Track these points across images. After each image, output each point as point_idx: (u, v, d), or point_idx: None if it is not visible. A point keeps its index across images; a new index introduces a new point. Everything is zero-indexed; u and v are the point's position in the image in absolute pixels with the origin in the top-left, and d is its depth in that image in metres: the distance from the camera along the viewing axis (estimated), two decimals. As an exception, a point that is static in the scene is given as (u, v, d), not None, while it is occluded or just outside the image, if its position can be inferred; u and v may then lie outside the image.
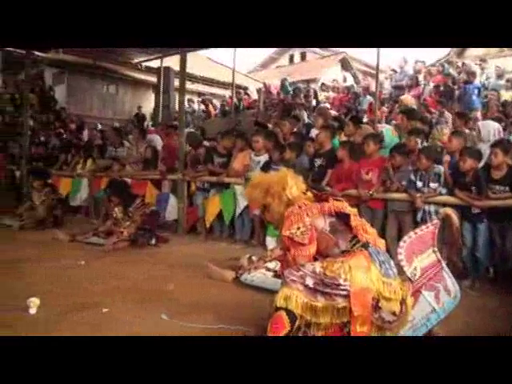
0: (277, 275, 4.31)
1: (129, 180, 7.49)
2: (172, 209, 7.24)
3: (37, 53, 13.15)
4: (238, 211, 6.45)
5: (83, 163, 8.77)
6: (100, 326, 3.22)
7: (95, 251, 5.75)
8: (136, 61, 15.62)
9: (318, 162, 6.11)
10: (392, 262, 2.75)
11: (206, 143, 7.84)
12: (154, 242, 6.11)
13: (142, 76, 16.46)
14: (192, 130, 9.96)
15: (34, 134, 11.02)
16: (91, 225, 7.27)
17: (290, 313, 2.54)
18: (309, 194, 3.11)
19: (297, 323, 2.55)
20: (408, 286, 2.74)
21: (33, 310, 3.49)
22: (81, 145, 9.55)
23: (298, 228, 2.77)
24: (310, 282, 2.60)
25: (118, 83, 16.84)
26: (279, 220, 3.01)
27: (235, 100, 14.31)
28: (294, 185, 3.00)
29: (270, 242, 5.82)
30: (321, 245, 2.81)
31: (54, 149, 10.15)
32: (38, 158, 9.78)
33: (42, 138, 11.12)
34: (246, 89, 16.69)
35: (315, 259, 2.78)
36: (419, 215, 5.01)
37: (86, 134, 11.08)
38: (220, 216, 6.71)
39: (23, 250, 5.70)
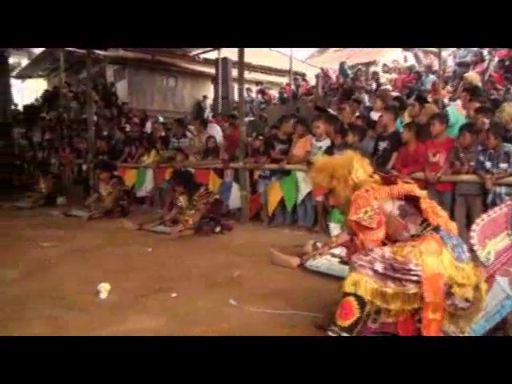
0: (342, 261, 4.26)
1: (192, 170, 7.62)
2: (235, 197, 7.31)
3: (97, 51, 13.59)
4: (300, 198, 6.41)
5: (147, 155, 9.01)
6: (170, 310, 3.30)
7: (162, 239, 5.91)
8: (194, 53, 15.88)
9: (382, 145, 5.95)
10: (465, 246, 2.63)
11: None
12: (218, 229, 6.19)
13: (201, 68, 16.69)
14: (252, 118, 10.00)
15: (98, 129, 11.43)
16: (157, 214, 7.47)
17: (359, 298, 2.49)
18: (376, 176, 3.02)
19: (366, 309, 2.50)
20: (481, 271, 2.62)
21: (103, 295, 3.63)
22: (144, 137, 9.80)
23: (366, 212, 2.70)
24: (379, 267, 2.53)
25: (177, 76, 17.15)
26: (345, 204, 2.95)
27: (293, 87, 14.20)
28: (360, 168, 2.92)
29: (334, 229, 5.74)
30: (389, 229, 2.73)
31: (118, 142, 10.48)
32: (103, 152, 10.13)
33: (106, 133, 11.50)
34: (303, 75, 16.53)
35: (384, 244, 2.71)
36: (489, 198, 4.78)
37: (148, 127, 11.37)
38: (282, 203, 6.70)
39: (93, 239, 5.95)
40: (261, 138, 7.39)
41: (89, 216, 7.65)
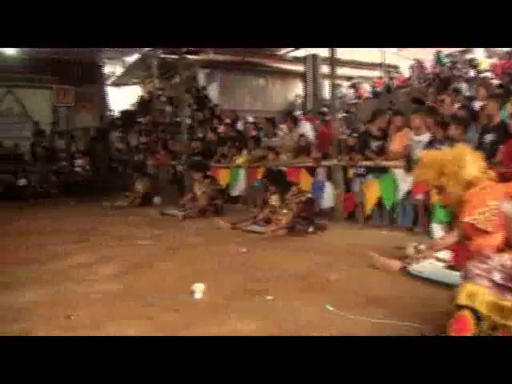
0: (448, 266, 3.93)
1: (284, 168, 7.53)
2: (328, 196, 7.11)
3: (189, 56, 13.96)
4: (400, 196, 6.08)
5: (239, 155, 9.06)
6: (266, 314, 3.19)
7: (255, 239, 5.86)
8: (283, 52, 15.81)
9: (489, 137, 5.46)
10: None
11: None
12: (311, 229, 6.02)
13: (290, 66, 16.59)
14: (344, 114, 9.73)
15: (192, 131, 11.72)
16: (250, 213, 7.46)
17: (475, 312, 2.21)
18: (490, 173, 2.72)
19: (483, 325, 2.22)
20: None
21: (198, 295, 3.60)
22: (236, 138, 9.88)
23: (482, 213, 2.43)
24: (497, 276, 2.24)
25: (266, 76, 17.18)
26: (456, 204, 2.68)
27: (386, 80, 13.67)
28: (473, 163, 2.64)
29: (436, 229, 5.36)
30: (509, 233, 2.42)
31: (211, 143, 10.66)
32: (197, 153, 10.35)
33: (200, 134, 11.75)
34: (396, 67, 15.89)
35: (502, 250, 2.41)
36: None
37: (240, 127, 11.47)
38: (379, 202, 6.40)
39: (188, 238, 6.05)
40: (355, 134, 7.13)
41: (183, 215, 7.83)
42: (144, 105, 17.13)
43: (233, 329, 2.96)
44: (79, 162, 13.94)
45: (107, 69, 17.51)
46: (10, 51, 13.38)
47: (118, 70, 18.79)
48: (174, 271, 4.40)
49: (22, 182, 12.48)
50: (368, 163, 6.54)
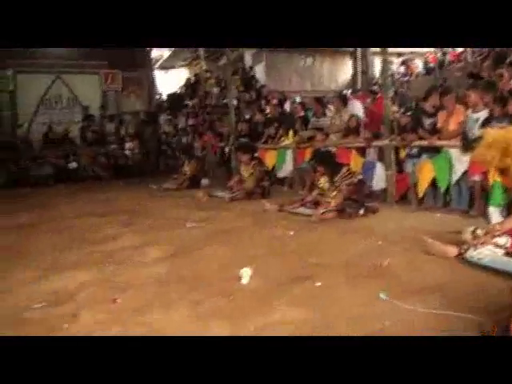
0: (508, 253, 3.68)
1: (333, 149, 7.33)
2: (379, 177, 6.84)
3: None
4: (455, 178, 5.76)
5: (286, 136, 8.89)
6: (315, 301, 3.08)
7: (303, 222, 5.74)
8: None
9: (554, 115, 5.07)
10: None
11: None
12: (362, 212, 5.81)
13: (339, 43, 16.14)
14: (395, 92, 9.37)
15: (239, 113, 11.63)
16: (297, 196, 7.32)
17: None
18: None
19: None
20: None
21: (245, 280, 3.54)
22: (283, 118, 9.71)
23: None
24: None
25: (314, 55, 16.82)
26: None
27: (439, 55, 13.08)
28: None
29: (494, 213, 5.04)
30: None
31: (258, 124, 10.55)
32: (244, 135, 10.27)
33: (247, 116, 11.65)
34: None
35: None
36: None
37: (287, 108, 11.28)
38: (433, 183, 6.10)
39: (236, 220, 6.00)
40: (408, 113, 6.82)
41: (230, 197, 7.79)
42: (191, 87, 17.19)
43: (281, 317, 2.88)
44: (129, 145, 14.19)
45: (154, 52, 17.65)
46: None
47: (166, 53, 18.92)
48: (221, 255, 4.36)
49: (73, 165, 12.83)
50: (422, 143, 6.23)
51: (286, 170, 8.96)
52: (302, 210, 6.29)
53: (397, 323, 2.65)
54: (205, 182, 10.42)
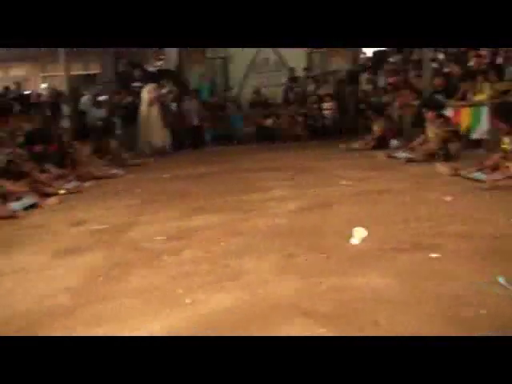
0: None
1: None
2: None
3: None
4: None
5: (481, 90, 7.73)
6: (412, 274, 2.65)
7: (472, 188, 4.96)
8: None
9: None
10: None
11: None
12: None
13: None
14: None
15: (440, 67, 10.56)
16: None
17: None
18: None
19: None
20: None
21: (355, 240, 3.27)
22: (487, 70, 8.44)
23: None
24: None
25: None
26: None
27: None
28: None
29: None
30: None
31: (454, 79, 9.41)
32: (439, 91, 9.26)
33: (446, 69, 10.48)
34: None
35: None
36: None
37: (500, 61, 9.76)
38: None
39: (396, 182, 5.52)
40: None
41: (408, 158, 7.19)
42: (399, 43, 16.16)
43: (365, 282, 2.57)
44: (327, 105, 14.13)
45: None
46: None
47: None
48: (349, 213, 4.10)
49: (271, 124, 13.39)
50: None
51: (481, 130, 7.82)
52: (477, 174, 5.43)
53: (491, 312, 2.12)
54: (394, 143, 9.76)
